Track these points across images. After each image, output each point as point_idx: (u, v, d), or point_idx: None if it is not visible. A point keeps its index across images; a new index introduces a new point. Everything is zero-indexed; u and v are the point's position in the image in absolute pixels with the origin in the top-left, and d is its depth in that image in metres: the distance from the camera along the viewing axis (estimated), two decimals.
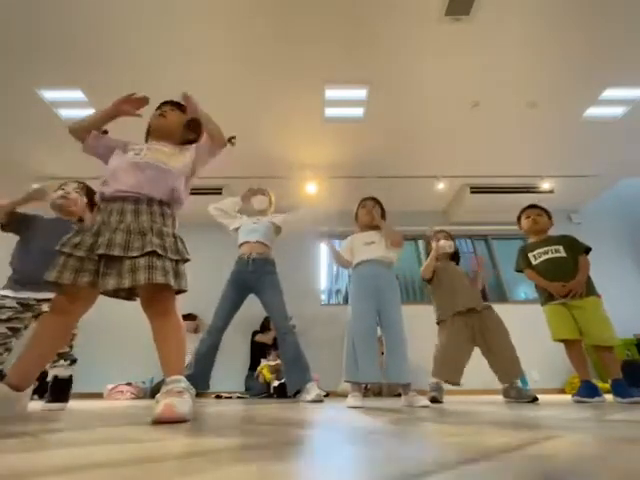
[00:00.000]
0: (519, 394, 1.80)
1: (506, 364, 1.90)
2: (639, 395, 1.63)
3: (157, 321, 0.96)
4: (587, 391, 1.81)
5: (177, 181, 1.12)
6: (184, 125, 1.27)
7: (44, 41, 2.59)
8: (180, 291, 1.00)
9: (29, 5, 2.35)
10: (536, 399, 1.75)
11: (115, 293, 1.03)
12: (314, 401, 1.90)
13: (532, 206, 2.27)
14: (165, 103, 1.31)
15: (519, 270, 2.20)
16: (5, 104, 3.09)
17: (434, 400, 1.81)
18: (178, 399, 0.81)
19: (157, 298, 0.96)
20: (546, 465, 0.37)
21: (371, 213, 1.86)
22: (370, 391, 3.42)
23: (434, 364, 1.98)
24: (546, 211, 2.24)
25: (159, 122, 1.25)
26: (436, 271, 2.20)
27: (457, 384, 1.91)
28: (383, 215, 1.94)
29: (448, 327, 2.03)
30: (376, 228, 1.87)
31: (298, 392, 2.08)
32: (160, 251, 0.95)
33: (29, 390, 1.10)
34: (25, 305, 1.55)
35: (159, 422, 0.75)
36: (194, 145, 1.24)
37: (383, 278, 1.72)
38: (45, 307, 1.55)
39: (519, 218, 2.29)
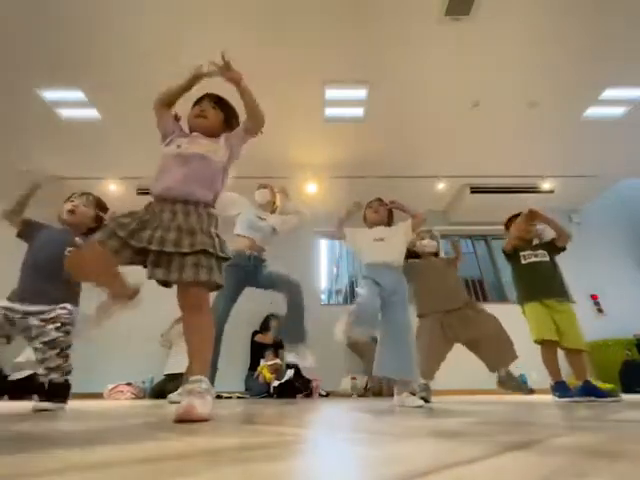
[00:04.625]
0: (516, 386, 1.79)
1: (493, 352, 1.86)
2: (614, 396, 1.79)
3: (190, 315, 1.01)
4: (565, 390, 1.92)
5: (219, 173, 1.17)
6: (223, 122, 1.29)
7: (44, 41, 2.59)
8: (219, 286, 1.06)
9: (29, 5, 2.35)
10: (532, 391, 1.75)
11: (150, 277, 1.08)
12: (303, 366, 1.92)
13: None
14: (205, 98, 1.29)
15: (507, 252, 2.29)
16: (5, 104, 3.09)
17: (423, 400, 1.81)
18: (199, 400, 0.82)
19: (194, 293, 1.01)
20: (545, 465, 0.37)
21: (378, 212, 1.93)
22: (370, 391, 3.42)
23: (420, 367, 1.98)
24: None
25: (200, 124, 1.24)
26: (418, 268, 2.21)
27: (430, 379, 1.93)
28: (390, 216, 1.98)
29: (428, 327, 2.02)
30: (386, 224, 1.94)
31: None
32: (211, 249, 1.01)
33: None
34: (9, 317, 1.53)
35: (180, 421, 0.77)
36: (224, 136, 1.24)
37: (389, 280, 1.73)
38: (33, 320, 1.55)
39: (508, 223, 2.38)
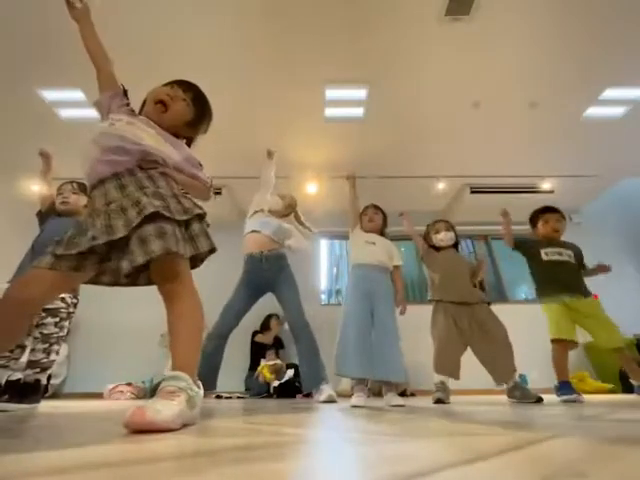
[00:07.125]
0: (523, 394, 1.77)
1: (498, 364, 1.86)
2: None
3: (168, 299, 0.83)
4: (568, 391, 1.87)
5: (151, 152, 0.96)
6: (186, 123, 1.12)
7: (44, 41, 2.58)
8: (198, 257, 0.90)
9: (30, 5, 2.35)
10: (541, 399, 1.72)
11: (115, 281, 0.92)
12: (326, 401, 1.84)
13: (552, 209, 2.24)
14: (177, 83, 1.12)
15: (517, 247, 2.23)
16: (5, 104, 3.09)
17: (439, 401, 1.78)
18: (162, 402, 0.66)
19: (160, 269, 0.82)
20: (545, 465, 0.36)
21: (373, 221, 1.98)
22: (370, 391, 3.41)
23: (434, 359, 1.97)
24: (563, 215, 2.24)
25: (158, 116, 1.07)
26: (436, 256, 2.21)
27: (457, 378, 1.90)
28: (385, 221, 2.02)
29: (442, 318, 1.99)
30: (381, 231, 1.99)
31: (310, 393, 2.06)
32: (166, 213, 0.82)
33: None
34: None
35: (131, 430, 0.59)
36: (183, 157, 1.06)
37: (378, 282, 1.79)
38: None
39: (534, 219, 2.26)
